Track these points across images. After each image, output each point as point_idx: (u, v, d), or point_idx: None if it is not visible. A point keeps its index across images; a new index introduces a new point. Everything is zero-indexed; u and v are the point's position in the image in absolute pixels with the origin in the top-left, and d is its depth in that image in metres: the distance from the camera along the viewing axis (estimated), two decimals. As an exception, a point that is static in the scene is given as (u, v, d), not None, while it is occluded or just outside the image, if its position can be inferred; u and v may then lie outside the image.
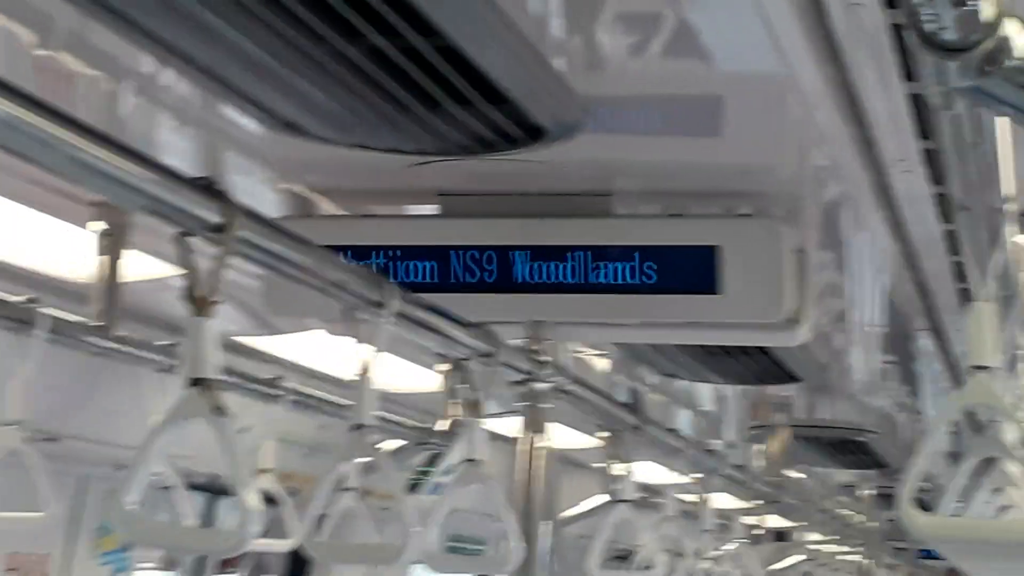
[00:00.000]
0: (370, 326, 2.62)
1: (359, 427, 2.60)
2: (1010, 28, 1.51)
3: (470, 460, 2.99)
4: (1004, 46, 1.52)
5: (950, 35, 1.51)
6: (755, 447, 7.63)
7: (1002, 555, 2.54)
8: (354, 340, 2.63)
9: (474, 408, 3.01)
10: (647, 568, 4.41)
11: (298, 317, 3.74)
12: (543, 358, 3.34)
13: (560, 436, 6.53)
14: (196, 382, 2.04)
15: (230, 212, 2.07)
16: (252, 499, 1.99)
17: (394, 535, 4.92)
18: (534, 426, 3.44)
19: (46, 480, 3.16)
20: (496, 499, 2.97)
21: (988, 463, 3.02)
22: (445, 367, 5.00)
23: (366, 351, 2.60)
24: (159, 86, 2.84)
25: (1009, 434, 2.57)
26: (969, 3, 1.42)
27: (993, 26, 1.49)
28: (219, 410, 2.03)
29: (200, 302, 2.06)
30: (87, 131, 1.80)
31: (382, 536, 4.64)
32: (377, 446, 2.69)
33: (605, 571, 4.47)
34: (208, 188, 2.04)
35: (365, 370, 2.60)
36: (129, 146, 1.89)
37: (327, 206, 3.56)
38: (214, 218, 2.06)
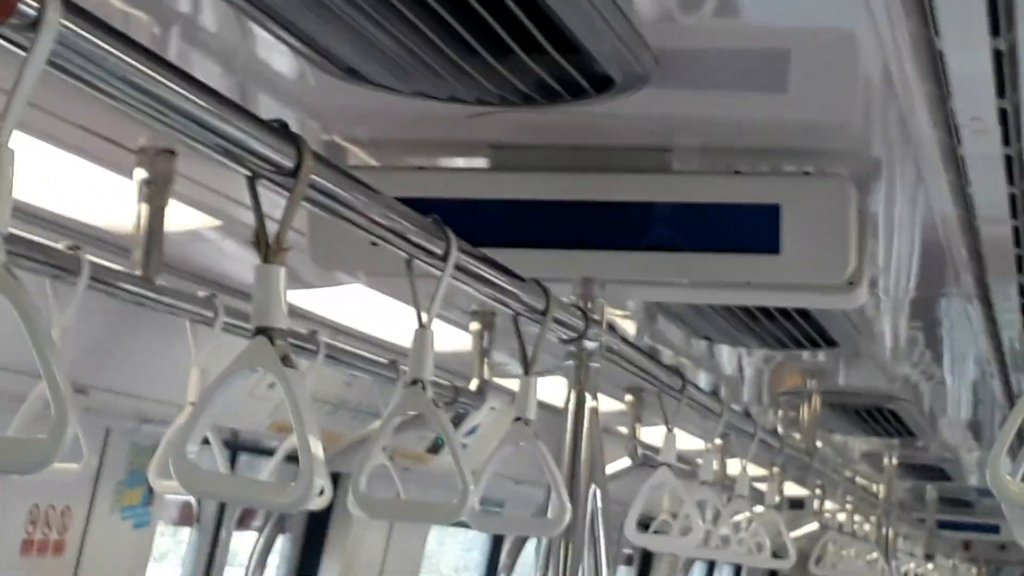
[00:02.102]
0: (426, 280, 2.54)
1: (416, 382, 2.51)
2: None
3: (520, 419, 2.90)
4: None
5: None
6: (776, 413, 7.58)
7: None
8: (394, 295, 2.54)
9: (527, 366, 2.91)
10: (683, 534, 4.35)
11: (344, 270, 3.65)
12: (594, 316, 3.25)
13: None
14: (263, 331, 1.95)
15: (303, 156, 1.99)
16: (318, 452, 1.90)
17: (416, 496, 4.86)
18: (583, 386, 3.35)
19: (83, 431, 3.08)
20: (546, 460, 2.88)
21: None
22: (476, 326, 4.96)
23: (422, 304, 2.51)
24: (203, 26, 2.75)
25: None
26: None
27: None
28: (287, 360, 1.95)
29: (270, 249, 1.97)
30: (168, 66, 1.72)
31: (406, 494, 4.60)
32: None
33: (642, 535, 4.42)
34: (283, 131, 1.96)
35: (424, 324, 2.51)
36: (204, 83, 1.81)
37: (369, 157, 3.47)
38: (287, 162, 1.97)
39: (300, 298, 4.88)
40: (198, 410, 1.96)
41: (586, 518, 3.31)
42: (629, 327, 5.75)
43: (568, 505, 2.90)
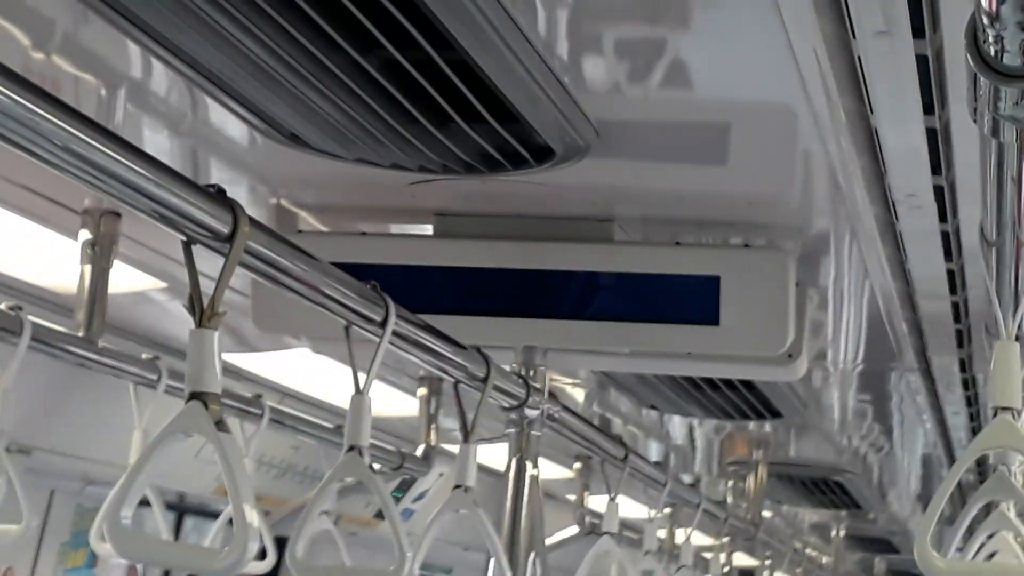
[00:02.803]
0: (363, 344, 2.55)
1: (353, 448, 2.51)
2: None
3: (459, 486, 2.91)
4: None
5: (1011, 60, 1.46)
6: (726, 484, 7.60)
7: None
8: (339, 359, 2.55)
9: (466, 433, 2.93)
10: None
11: (285, 334, 3.67)
12: (535, 384, 3.27)
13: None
14: (196, 396, 1.96)
15: (239, 222, 2.00)
16: (252, 517, 1.91)
17: (362, 560, 4.85)
18: (524, 453, 3.37)
19: (24, 491, 3.07)
20: (485, 527, 2.89)
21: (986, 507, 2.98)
22: (423, 391, 4.97)
23: (357, 371, 2.52)
24: (151, 91, 2.78)
25: (1018, 474, 2.52)
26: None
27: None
28: (220, 425, 1.96)
29: (204, 313, 1.99)
30: (101, 130, 1.73)
31: (352, 560, 4.59)
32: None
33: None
34: (219, 196, 1.98)
35: (362, 390, 2.52)
36: (141, 149, 1.83)
37: (316, 222, 3.50)
38: (222, 228, 1.99)
39: (247, 361, 4.89)
40: (132, 474, 1.96)
41: (525, 586, 3.32)
42: (579, 395, 5.77)
43: (508, 572, 2.91)
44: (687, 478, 7.95)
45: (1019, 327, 2.09)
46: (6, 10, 2.43)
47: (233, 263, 2.01)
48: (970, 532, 2.85)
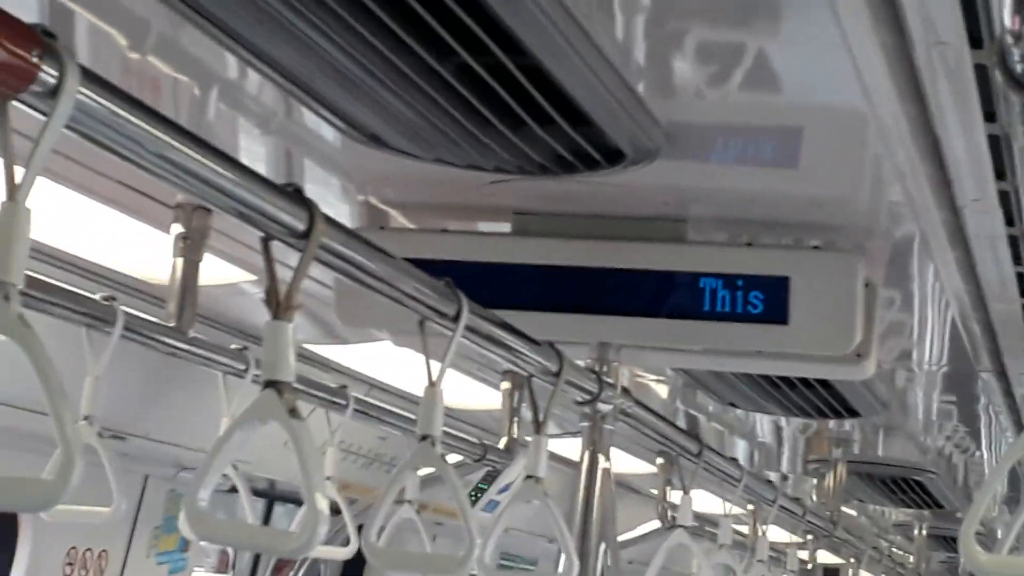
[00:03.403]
0: (441, 338, 2.65)
1: (426, 438, 2.61)
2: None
3: (531, 476, 3.00)
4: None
5: (1038, 77, 1.53)
6: (812, 481, 7.63)
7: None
8: (421, 352, 2.65)
9: (538, 425, 3.02)
10: (700, 595, 4.42)
11: (366, 327, 3.77)
12: (608, 379, 3.36)
13: (618, 460, 6.59)
14: (272, 384, 2.06)
15: (315, 219, 2.10)
16: (322, 503, 2.01)
17: (447, 548, 4.96)
18: (596, 447, 3.46)
19: (116, 475, 3.20)
20: (555, 517, 2.98)
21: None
22: (507, 385, 5.07)
23: (435, 363, 2.63)
24: (245, 93, 2.90)
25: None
26: (1059, 46, 1.44)
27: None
28: (294, 413, 2.05)
29: (280, 306, 2.09)
30: (182, 132, 1.84)
31: (436, 548, 4.71)
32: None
33: (658, 596, 4.50)
34: (295, 195, 2.08)
35: (435, 382, 2.62)
36: (221, 150, 1.93)
37: (402, 219, 3.61)
38: (299, 225, 2.09)
39: (337, 353, 5.00)
40: (209, 460, 2.07)
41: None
42: (663, 392, 5.85)
43: (576, 561, 2.99)
44: (773, 476, 7.99)
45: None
46: (103, 11, 2.55)
47: (308, 258, 2.11)
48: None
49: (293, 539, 2.01)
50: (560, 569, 3.03)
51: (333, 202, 3.53)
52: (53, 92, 1.58)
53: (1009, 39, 1.45)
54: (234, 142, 3.17)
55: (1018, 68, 1.52)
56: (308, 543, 1.99)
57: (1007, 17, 1.40)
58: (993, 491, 2.18)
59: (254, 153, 3.22)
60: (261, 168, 3.26)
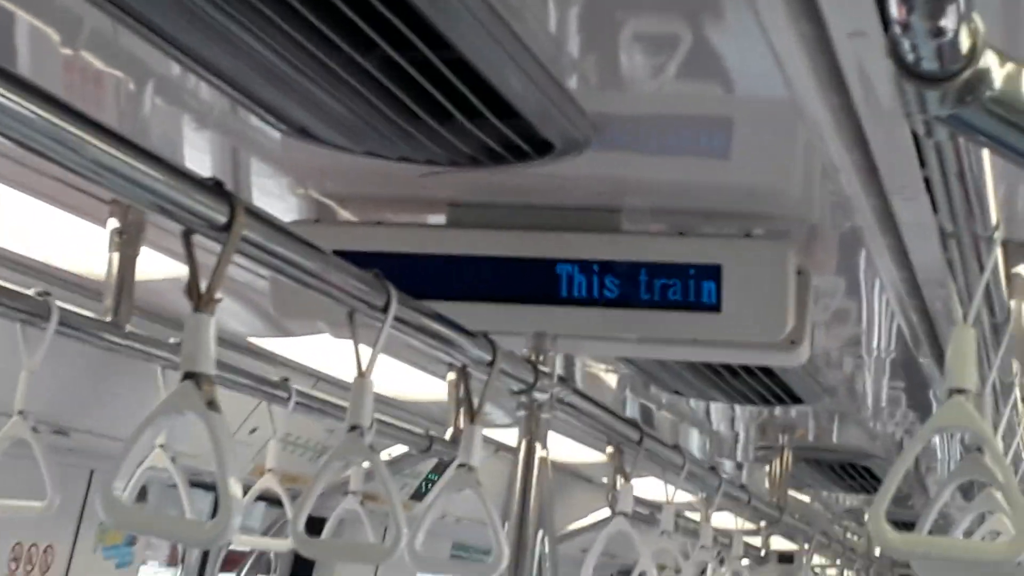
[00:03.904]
0: (371, 330, 2.66)
1: (355, 428, 2.62)
2: (988, 59, 1.56)
3: (463, 465, 3.02)
4: (983, 77, 1.57)
5: (929, 65, 1.55)
6: (762, 468, 7.67)
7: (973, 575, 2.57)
8: (354, 343, 2.66)
9: (472, 415, 3.04)
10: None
11: (302, 319, 3.79)
12: (544, 368, 3.38)
13: (572, 450, 6.60)
14: (190, 376, 2.07)
15: (236, 212, 2.11)
16: (236, 491, 2.02)
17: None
18: (533, 435, 3.48)
19: (49, 470, 3.21)
20: (485, 506, 3.00)
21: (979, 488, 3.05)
22: (453, 376, 5.08)
23: (365, 354, 2.64)
24: (181, 89, 2.91)
25: (990, 458, 2.61)
26: (948, 35, 1.47)
27: (971, 57, 1.53)
28: (212, 405, 2.07)
29: (201, 299, 2.10)
30: (100, 129, 1.85)
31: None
32: (383, 451, 2.73)
33: (601, 583, 4.52)
34: (216, 188, 2.09)
35: (364, 372, 2.63)
36: (141, 145, 1.94)
37: (341, 212, 3.62)
38: (220, 218, 2.10)
39: (283, 346, 5.01)
40: (125, 449, 2.08)
41: (533, 564, 3.42)
42: (613, 381, 5.87)
43: (505, 550, 3.02)
44: (728, 464, 8.03)
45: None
46: (38, 9, 2.56)
47: (229, 251, 2.12)
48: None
49: (208, 528, 2.03)
50: (491, 559, 3.05)
51: (274, 197, 3.54)
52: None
53: (898, 29, 1.48)
54: (176, 139, 3.18)
55: (908, 57, 1.54)
56: (223, 532, 2.01)
57: (893, 7, 1.42)
58: (904, 469, 2.22)
59: (197, 149, 3.24)
60: (206, 164, 3.30)
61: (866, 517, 2.25)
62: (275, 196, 3.52)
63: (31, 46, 2.71)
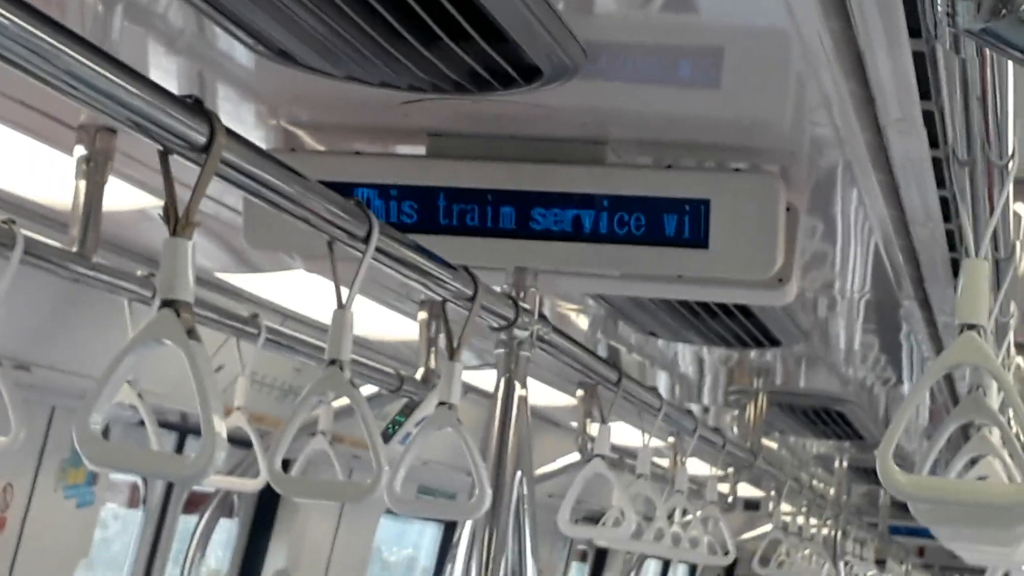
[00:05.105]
0: (353, 263, 2.56)
1: (335, 362, 2.52)
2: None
3: (444, 403, 2.93)
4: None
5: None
6: (732, 413, 7.62)
7: (977, 519, 2.50)
8: (332, 276, 2.55)
9: (452, 351, 2.94)
10: (616, 525, 4.38)
11: (275, 250, 3.68)
12: (525, 305, 3.29)
13: (539, 393, 6.53)
14: (169, 303, 1.97)
15: (215, 132, 2.01)
16: (220, 427, 1.92)
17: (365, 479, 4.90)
18: (512, 374, 3.39)
19: (14, 403, 3.10)
20: (467, 445, 2.91)
21: (966, 433, 2.99)
22: (424, 315, 4.99)
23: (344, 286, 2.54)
24: (151, 11, 2.79)
25: (995, 396, 2.53)
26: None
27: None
28: (192, 334, 1.96)
29: (179, 223, 2.00)
30: (75, 38, 1.75)
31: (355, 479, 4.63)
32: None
33: (576, 526, 4.45)
34: (195, 106, 1.99)
35: (344, 304, 2.53)
36: (118, 59, 1.84)
37: (315, 143, 3.51)
38: (199, 138, 2.00)
39: (250, 282, 4.91)
40: (102, 382, 1.98)
41: (511, 504, 3.34)
42: (584, 322, 5.79)
43: (488, 490, 2.92)
44: (695, 408, 7.97)
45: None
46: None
47: (209, 173, 2.03)
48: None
49: (189, 464, 1.93)
50: (472, 499, 2.96)
51: (246, 125, 3.43)
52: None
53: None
54: (143, 62, 3.06)
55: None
56: (205, 468, 1.91)
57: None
58: (911, 413, 2.14)
59: (165, 73, 3.12)
60: (172, 89, 3.18)
61: (876, 460, 2.16)
62: (247, 124, 3.41)
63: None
